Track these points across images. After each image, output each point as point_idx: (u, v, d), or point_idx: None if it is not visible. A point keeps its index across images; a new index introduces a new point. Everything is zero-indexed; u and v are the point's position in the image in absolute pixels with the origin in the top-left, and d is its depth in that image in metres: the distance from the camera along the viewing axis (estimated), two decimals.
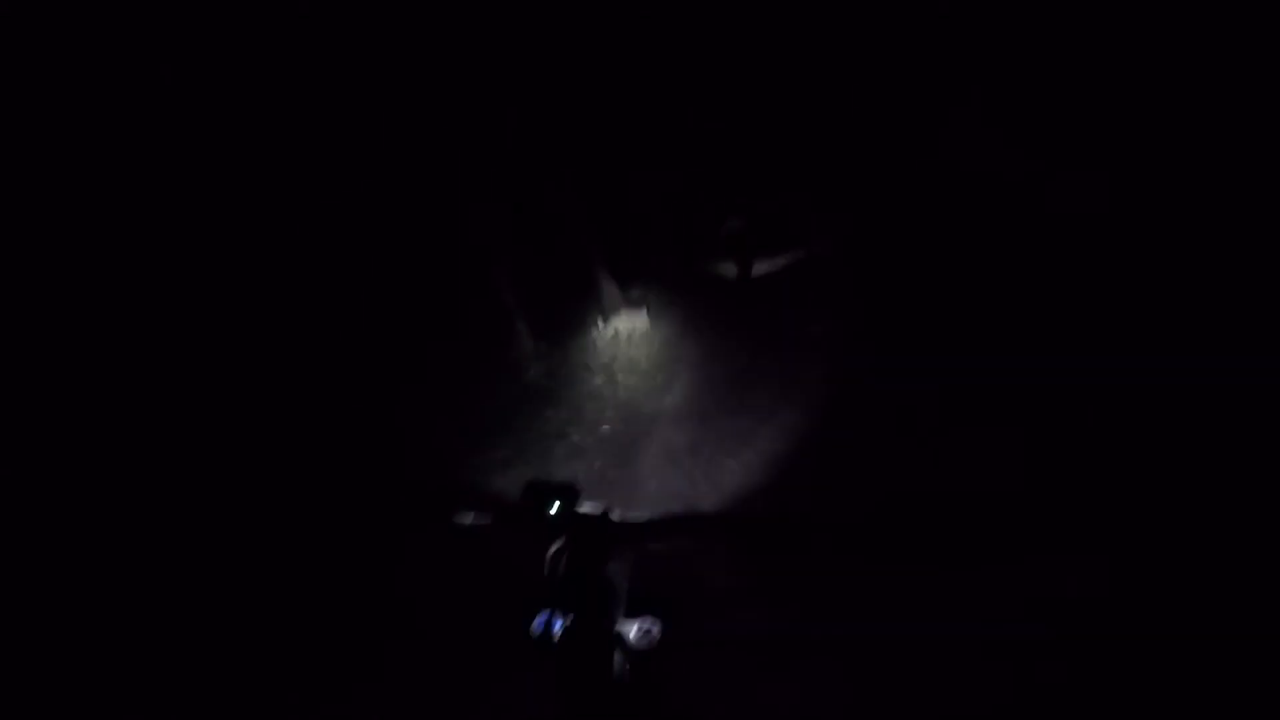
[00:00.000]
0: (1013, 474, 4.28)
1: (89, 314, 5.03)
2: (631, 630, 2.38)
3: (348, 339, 5.38)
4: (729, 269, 8.95)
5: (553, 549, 2.34)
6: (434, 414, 5.30)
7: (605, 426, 5.34)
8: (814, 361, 5.36)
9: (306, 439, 5.01)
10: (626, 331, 6.25)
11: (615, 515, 2.33)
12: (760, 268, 8.29)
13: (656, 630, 2.39)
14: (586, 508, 2.32)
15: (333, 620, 4.05)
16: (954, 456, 4.43)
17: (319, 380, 5.24)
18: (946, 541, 4.06)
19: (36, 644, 3.87)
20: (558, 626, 2.30)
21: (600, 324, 6.12)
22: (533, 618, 2.32)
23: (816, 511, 4.41)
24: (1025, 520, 4.06)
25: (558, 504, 2.30)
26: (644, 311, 6.46)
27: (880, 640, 3.49)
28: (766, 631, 3.59)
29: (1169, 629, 3.15)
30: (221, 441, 4.93)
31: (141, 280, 5.16)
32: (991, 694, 3.05)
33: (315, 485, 4.79)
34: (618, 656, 2.35)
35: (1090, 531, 3.88)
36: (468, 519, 4.20)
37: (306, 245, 5.45)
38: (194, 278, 5.24)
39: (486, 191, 5.83)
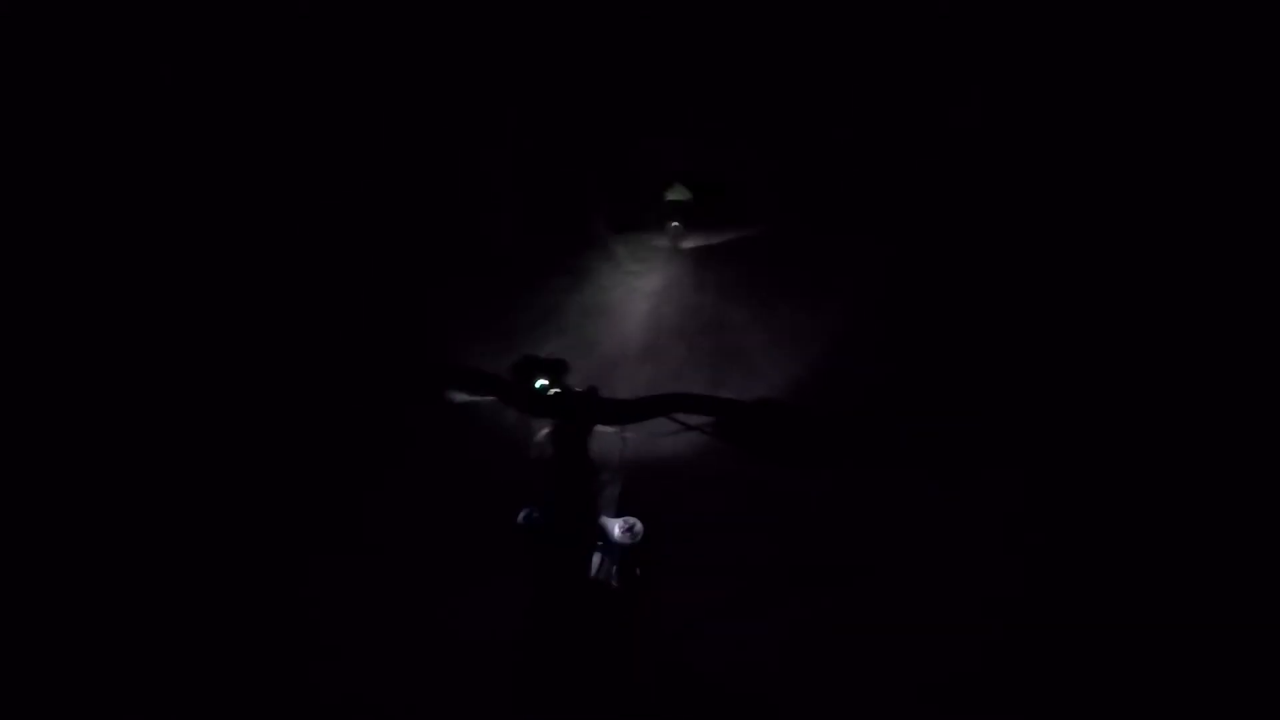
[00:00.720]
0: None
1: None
2: (615, 527, 2.24)
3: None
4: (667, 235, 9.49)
5: (540, 432, 2.17)
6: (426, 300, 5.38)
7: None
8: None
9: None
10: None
11: (603, 393, 2.16)
12: (695, 240, 8.82)
13: (640, 528, 2.25)
14: (574, 386, 2.14)
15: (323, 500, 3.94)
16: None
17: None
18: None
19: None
20: (540, 515, 2.15)
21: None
22: (519, 509, 2.17)
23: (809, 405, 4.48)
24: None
25: (545, 380, 2.11)
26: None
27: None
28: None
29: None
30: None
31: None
32: None
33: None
34: (598, 555, 2.21)
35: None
36: (459, 397, 4.08)
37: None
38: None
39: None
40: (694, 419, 2.27)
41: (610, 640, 2.19)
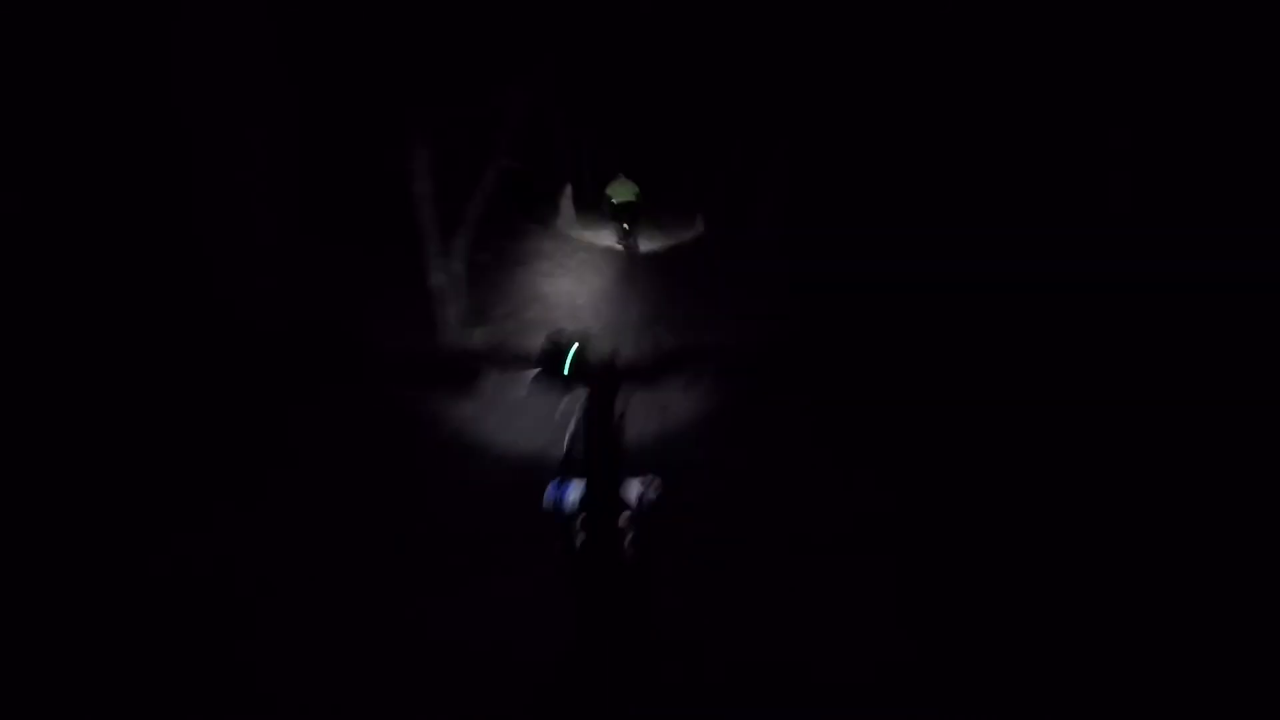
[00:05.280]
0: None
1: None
2: (633, 490, 2.26)
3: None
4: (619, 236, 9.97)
5: (568, 406, 2.21)
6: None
7: None
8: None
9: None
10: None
11: (619, 360, 2.21)
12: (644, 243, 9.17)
13: (656, 488, 2.27)
14: (596, 355, 2.19)
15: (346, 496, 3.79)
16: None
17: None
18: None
19: None
20: (572, 492, 2.18)
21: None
22: (545, 487, 2.19)
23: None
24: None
25: (575, 351, 2.16)
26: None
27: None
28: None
29: None
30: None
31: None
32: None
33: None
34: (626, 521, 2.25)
35: None
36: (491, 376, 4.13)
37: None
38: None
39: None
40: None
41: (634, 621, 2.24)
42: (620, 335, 5.80)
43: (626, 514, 2.17)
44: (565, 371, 2.11)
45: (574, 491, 2.14)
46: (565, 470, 2.18)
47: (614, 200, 11.09)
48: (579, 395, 2.15)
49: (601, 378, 2.15)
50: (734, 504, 3.69)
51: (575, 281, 7.36)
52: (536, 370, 2.17)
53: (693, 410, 4.52)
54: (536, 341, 2.24)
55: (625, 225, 11.06)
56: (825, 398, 4.64)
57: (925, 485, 3.85)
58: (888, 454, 4.17)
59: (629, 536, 2.21)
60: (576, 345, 2.15)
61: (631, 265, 9.13)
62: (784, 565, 3.30)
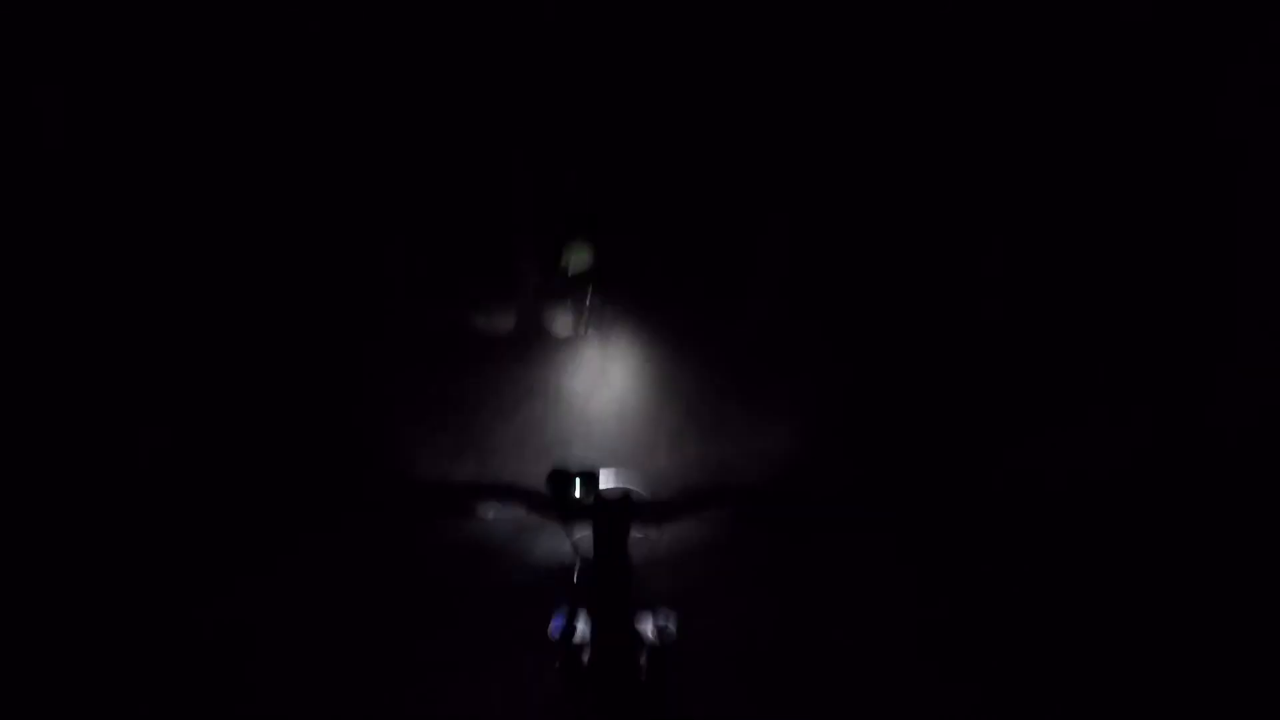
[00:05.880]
0: None
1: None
2: (648, 625, 2.19)
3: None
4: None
5: (577, 538, 2.13)
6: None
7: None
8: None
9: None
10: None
11: (635, 496, 2.14)
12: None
13: (673, 624, 2.21)
14: (608, 490, 2.12)
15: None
16: None
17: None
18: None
19: None
20: (581, 627, 2.08)
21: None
22: (550, 619, 2.10)
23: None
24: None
25: (583, 488, 2.09)
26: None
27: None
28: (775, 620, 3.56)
29: None
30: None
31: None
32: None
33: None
34: (637, 653, 2.16)
35: None
36: (490, 512, 4.02)
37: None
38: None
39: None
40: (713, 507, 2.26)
41: None
42: (642, 456, 5.59)
43: (645, 648, 2.11)
44: (570, 505, 2.05)
45: (583, 622, 2.07)
46: (573, 600, 2.10)
47: (570, 270, 8.03)
48: (586, 527, 2.08)
49: (612, 512, 2.08)
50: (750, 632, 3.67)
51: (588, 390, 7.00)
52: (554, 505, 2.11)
53: (707, 541, 4.40)
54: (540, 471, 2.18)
55: (585, 302, 8.09)
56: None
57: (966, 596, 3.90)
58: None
59: (645, 666, 2.14)
60: (583, 477, 2.08)
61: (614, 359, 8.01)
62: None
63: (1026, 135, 5.31)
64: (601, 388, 6.25)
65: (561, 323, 7.86)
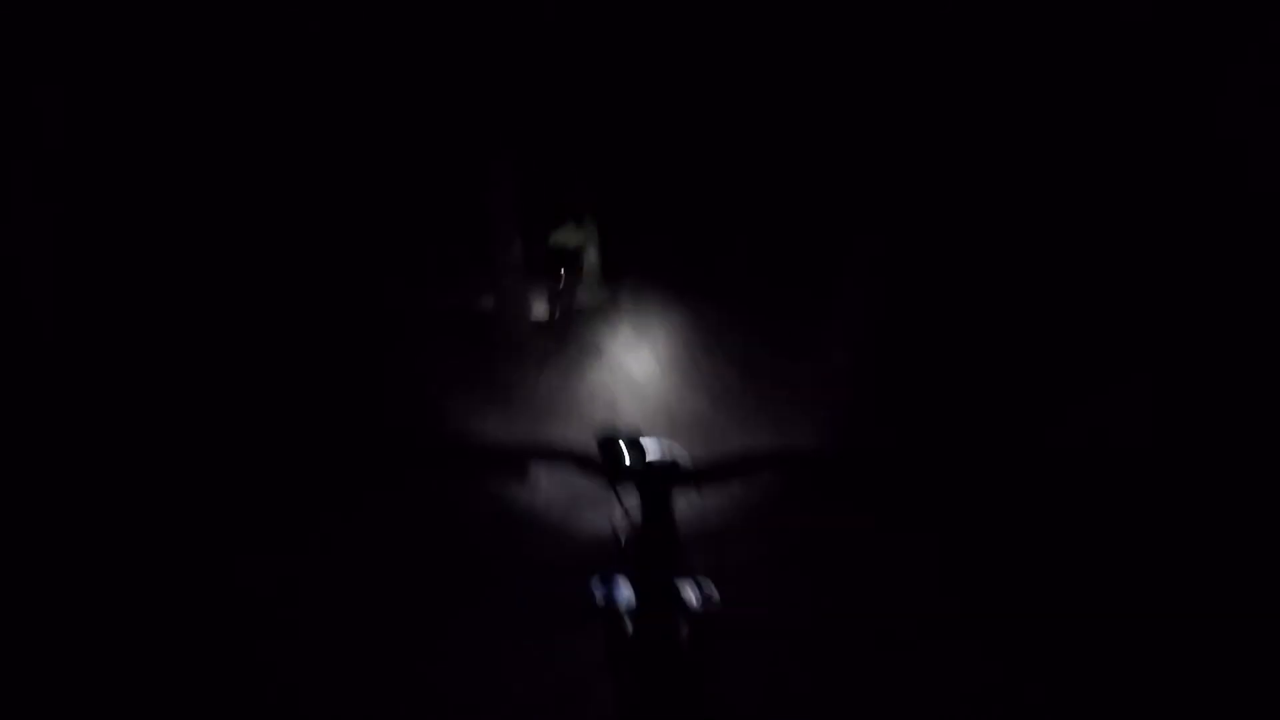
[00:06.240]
0: None
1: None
2: (692, 594, 2.15)
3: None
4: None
5: (622, 504, 2.12)
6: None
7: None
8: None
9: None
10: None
11: (683, 462, 2.11)
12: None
13: (713, 590, 2.16)
14: (653, 454, 2.09)
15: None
16: None
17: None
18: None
19: None
20: (624, 592, 2.06)
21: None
22: (592, 584, 2.08)
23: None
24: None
25: (631, 453, 2.07)
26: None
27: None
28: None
29: None
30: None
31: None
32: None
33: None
34: (679, 622, 2.14)
35: None
36: (538, 478, 4.11)
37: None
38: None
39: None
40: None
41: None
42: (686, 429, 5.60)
43: (688, 617, 2.08)
44: (618, 470, 2.03)
45: (624, 588, 2.05)
46: (614, 565, 2.08)
47: (556, 244, 7.75)
48: (631, 491, 2.06)
49: (658, 478, 2.05)
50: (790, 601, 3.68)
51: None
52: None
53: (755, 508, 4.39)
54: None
55: (561, 274, 7.71)
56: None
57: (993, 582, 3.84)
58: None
59: (686, 635, 2.12)
60: (629, 443, 2.06)
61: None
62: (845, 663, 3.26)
63: (1026, 135, 5.18)
64: (642, 351, 6.28)
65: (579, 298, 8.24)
